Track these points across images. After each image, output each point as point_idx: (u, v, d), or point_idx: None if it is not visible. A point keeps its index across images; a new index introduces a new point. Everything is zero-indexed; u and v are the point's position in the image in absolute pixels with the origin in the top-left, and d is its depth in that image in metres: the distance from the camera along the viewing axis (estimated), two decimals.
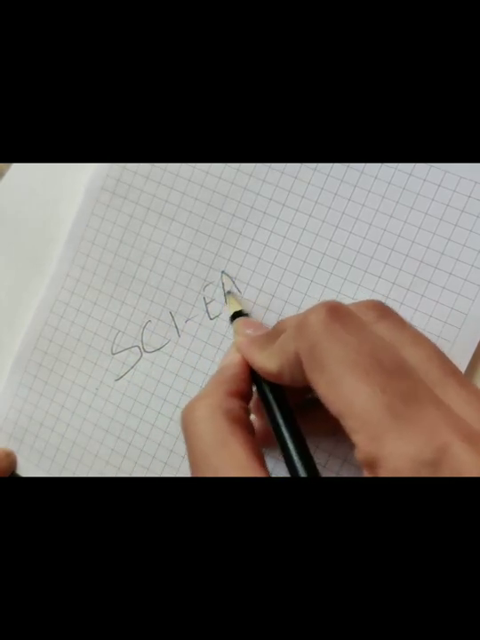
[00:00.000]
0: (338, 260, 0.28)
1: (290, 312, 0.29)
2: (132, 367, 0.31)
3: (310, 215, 0.29)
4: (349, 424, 0.17)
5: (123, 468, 0.31)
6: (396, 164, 0.28)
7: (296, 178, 0.29)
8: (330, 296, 0.28)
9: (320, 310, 0.19)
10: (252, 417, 0.23)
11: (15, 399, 0.33)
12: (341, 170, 0.28)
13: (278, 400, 0.23)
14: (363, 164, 0.28)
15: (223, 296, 0.30)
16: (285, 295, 0.29)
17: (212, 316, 0.30)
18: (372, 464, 0.17)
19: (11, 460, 0.32)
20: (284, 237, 0.29)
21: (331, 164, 0.29)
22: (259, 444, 0.21)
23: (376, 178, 0.28)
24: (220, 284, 0.30)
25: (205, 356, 0.30)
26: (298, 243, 0.29)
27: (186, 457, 0.30)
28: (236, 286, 0.30)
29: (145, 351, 0.31)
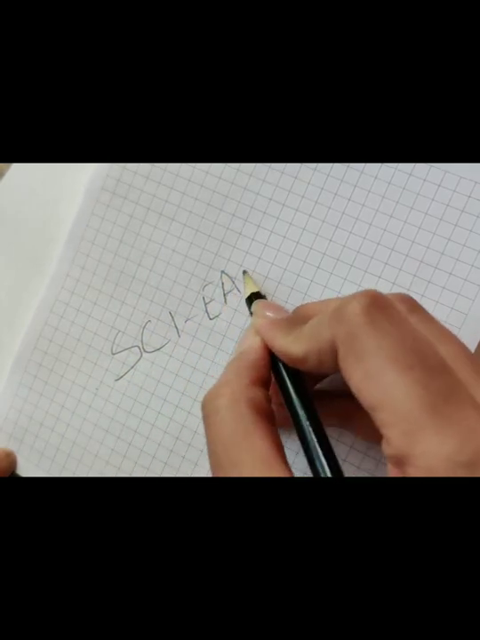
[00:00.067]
0: (338, 260, 0.28)
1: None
2: (132, 367, 0.31)
3: (310, 215, 0.29)
4: (383, 417, 0.17)
5: (123, 468, 0.31)
6: (395, 163, 0.28)
7: (296, 178, 0.29)
8: (330, 296, 0.28)
9: (361, 298, 0.19)
10: None
11: (15, 399, 0.33)
12: (341, 170, 0.28)
13: (297, 387, 0.22)
14: (363, 164, 0.28)
15: (222, 296, 0.30)
16: (285, 295, 0.29)
17: (211, 316, 0.30)
18: (401, 460, 0.17)
19: (11, 460, 0.32)
20: (284, 237, 0.29)
21: (331, 164, 0.29)
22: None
23: (376, 178, 0.28)
24: (220, 284, 0.30)
25: (205, 356, 0.30)
26: (298, 243, 0.29)
27: (186, 457, 0.30)
28: (235, 286, 0.30)
29: (145, 351, 0.31)
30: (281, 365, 0.23)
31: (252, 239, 0.30)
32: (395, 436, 0.17)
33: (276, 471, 0.19)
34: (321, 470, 0.19)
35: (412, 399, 0.17)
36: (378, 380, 0.18)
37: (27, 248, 0.34)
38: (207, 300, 0.30)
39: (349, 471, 0.28)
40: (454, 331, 0.27)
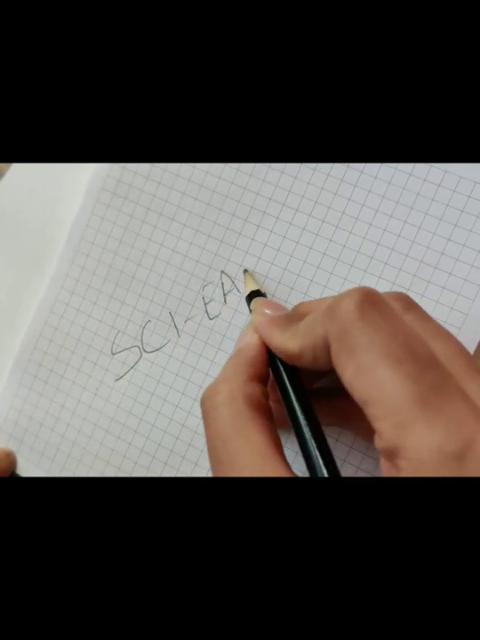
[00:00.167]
0: (338, 260, 0.28)
1: None
2: (132, 367, 0.31)
3: (310, 215, 0.29)
4: (374, 411, 0.17)
5: (123, 468, 0.31)
6: (395, 164, 0.28)
7: (296, 178, 0.29)
8: (329, 296, 0.28)
9: (354, 295, 0.19)
10: None
11: (15, 399, 0.33)
12: (341, 170, 0.28)
13: (294, 384, 0.22)
14: (363, 164, 0.28)
15: (222, 296, 0.30)
16: (285, 295, 0.29)
17: (211, 316, 0.30)
18: (393, 453, 0.17)
19: (11, 460, 0.32)
20: (284, 237, 0.29)
21: (331, 164, 0.29)
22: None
23: (376, 178, 0.28)
24: (220, 284, 0.30)
25: (205, 356, 0.30)
26: (298, 242, 0.29)
27: (186, 457, 0.30)
28: (235, 286, 0.30)
29: (145, 351, 0.31)
30: (279, 362, 0.23)
31: (252, 239, 0.30)
32: (386, 429, 0.17)
33: (271, 465, 0.19)
34: (316, 464, 0.19)
35: (402, 392, 0.17)
36: (369, 375, 0.18)
37: (27, 248, 0.34)
38: (207, 300, 0.30)
39: (349, 471, 0.28)
40: (454, 331, 0.27)
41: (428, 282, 0.27)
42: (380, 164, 0.28)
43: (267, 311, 0.25)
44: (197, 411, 0.30)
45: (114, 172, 0.32)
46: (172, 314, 0.31)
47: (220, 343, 0.30)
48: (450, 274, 0.27)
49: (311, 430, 0.20)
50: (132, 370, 0.31)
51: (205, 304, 0.30)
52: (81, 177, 0.32)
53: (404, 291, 0.27)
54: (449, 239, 0.27)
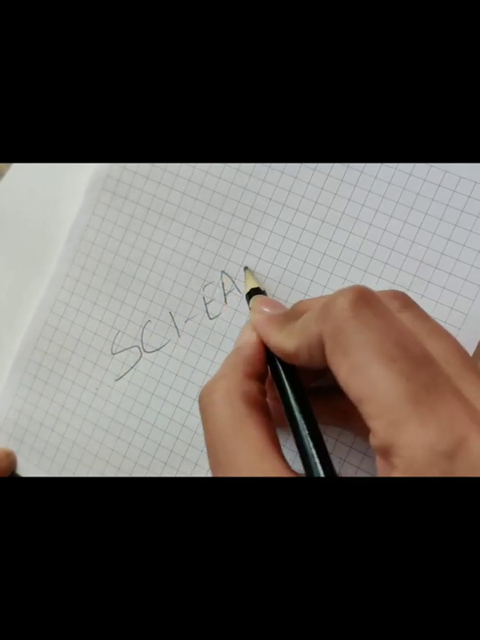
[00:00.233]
0: (338, 260, 0.28)
1: None
2: (132, 367, 0.31)
3: (310, 215, 0.29)
4: (368, 410, 0.17)
5: (123, 467, 0.31)
6: (395, 164, 0.28)
7: (296, 178, 0.29)
8: None
9: (348, 294, 0.19)
10: None
11: (15, 399, 0.33)
12: (341, 170, 0.28)
13: (292, 382, 0.22)
14: (363, 164, 0.28)
15: (223, 296, 0.30)
16: (285, 295, 0.29)
17: (211, 316, 0.30)
18: (387, 451, 0.17)
19: (11, 460, 0.32)
20: (284, 237, 0.29)
21: (331, 164, 0.29)
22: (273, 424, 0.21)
23: (376, 178, 0.28)
24: (220, 284, 0.30)
25: (205, 356, 0.30)
26: (298, 242, 0.29)
27: (186, 457, 0.30)
28: (235, 286, 0.30)
29: (145, 351, 0.31)
30: (276, 360, 0.23)
31: (252, 239, 0.30)
32: (380, 428, 0.17)
33: (269, 462, 0.19)
34: (312, 462, 0.20)
35: (395, 390, 0.17)
36: (363, 374, 0.18)
37: (27, 248, 0.34)
38: (207, 300, 0.30)
39: (349, 471, 0.28)
40: (454, 331, 0.27)
41: (428, 282, 0.27)
42: (379, 164, 0.28)
43: (265, 309, 0.25)
44: (197, 411, 0.30)
45: (114, 172, 0.32)
46: (173, 314, 0.31)
47: (221, 343, 0.30)
48: (450, 274, 0.27)
49: (308, 429, 0.20)
50: (132, 370, 0.31)
51: (206, 304, 0.30)
52: (81, 177, 0.32)
53: (404, 291, 0.27)
54: (449, 239, 0.27)
